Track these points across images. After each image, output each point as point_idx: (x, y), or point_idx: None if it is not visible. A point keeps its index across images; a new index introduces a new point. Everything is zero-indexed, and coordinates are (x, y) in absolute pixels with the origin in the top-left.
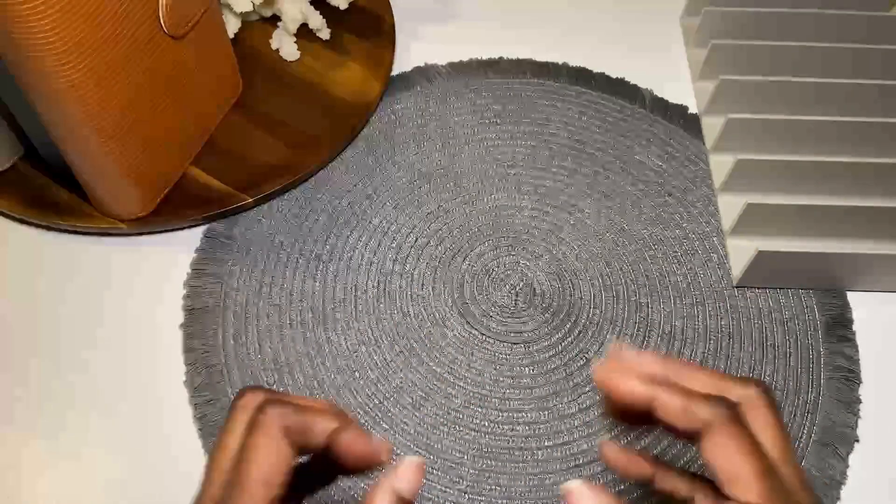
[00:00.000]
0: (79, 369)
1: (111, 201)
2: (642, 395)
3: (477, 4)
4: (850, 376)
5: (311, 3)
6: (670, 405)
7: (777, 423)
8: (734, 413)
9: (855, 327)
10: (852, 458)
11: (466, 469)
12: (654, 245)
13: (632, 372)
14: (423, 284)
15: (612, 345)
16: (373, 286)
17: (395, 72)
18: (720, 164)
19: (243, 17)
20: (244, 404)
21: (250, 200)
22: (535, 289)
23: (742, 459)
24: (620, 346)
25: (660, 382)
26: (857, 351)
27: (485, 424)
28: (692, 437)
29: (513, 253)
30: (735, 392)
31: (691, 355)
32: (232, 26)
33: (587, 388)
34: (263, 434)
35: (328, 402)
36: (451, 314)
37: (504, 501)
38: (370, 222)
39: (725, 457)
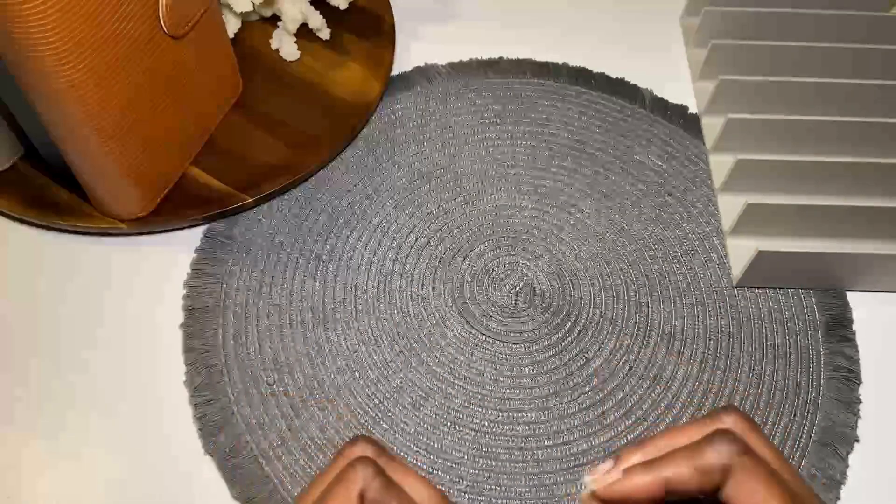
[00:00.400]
0: (79, 369)
1: (111, 201)
2: (651, 482)
3: (477, 4)
4: (850, 376)
5: (311, 3)
6: (682, 474)
7: (766, 438)
8: (742, 444)
9: (855, 327)
10: (852, 458)
11: (466, 469)
12: (654, 245)
13: (624, 474)
14: (423, 284)
15: (588, 474)
16: (373, 286)
17: (395, 72)
18: (720, 164)
19: (243, 17)
20: (349, 453)
21: (250, 200)
22: (535, 289)
23: (767, 490)
24: (594, 468)
25: (654, 465)
26: (857, 351)
27: (485, 424)
28: (716, 491)
29: (513, 253)
30: (721, 424)
31: (691, 355)
32: (232, 26)
33: (587, 388)
34: (344, 489)
35: (430, 488)
36: (451, 314)
37: (504, 501)
38: (370, 222)
39: (750, 493)
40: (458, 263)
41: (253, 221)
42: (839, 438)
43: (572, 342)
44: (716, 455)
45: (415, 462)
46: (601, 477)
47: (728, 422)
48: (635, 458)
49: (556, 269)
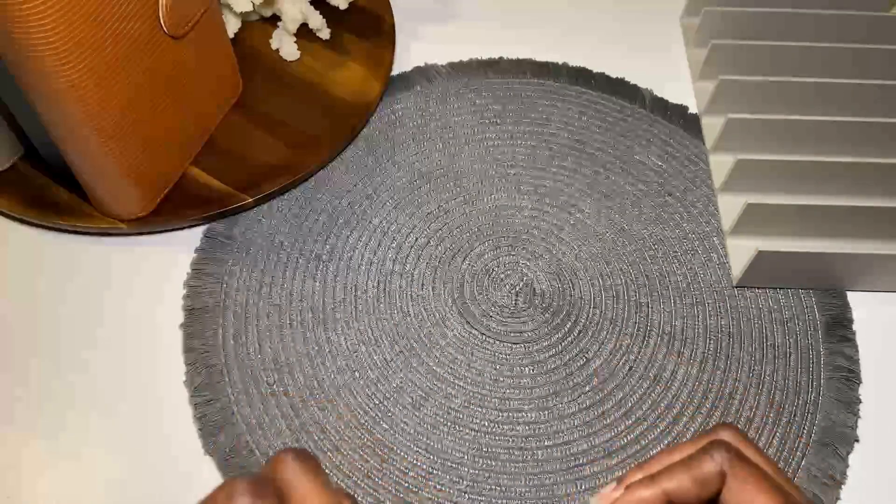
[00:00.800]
0: (79, 369)
1: (111, 201)
2: (653, 495)
3: (477, 4)
4: (850, 376)
5: (311, 3)
6: (682, 486)
7: (759, 449)
8: (736, 452)
9: (855, 327)
10: (852, 458)
11: (466, 469)
12: (654, 245)
13: (626, 490)
14: (423, 284)
15: (594, 498)
16: (373, 286)
17: (395, 72)
18: (720, 164)
19: (243, 17)
20: (270, 462)
21: (250, 200)
22: (535, 289)
23: (762, 495)
24: (599, 493)
25: (655, 478)
26: (857, 351)
27: (485, 424)
28: (716, 498)
29: (513, 253)
30: (716, 437)
31: (691, 355)
32: (232, 26)
33: (587, 388)
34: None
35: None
36: (451, 314)
37: (504, 501)
38: (370, 222)
39: (746, 498)
40: (458, 263)
41: (253, 221)
42: (839, 438)
43: (572, 342)
44: (712, 463)
45: (415, 462)
46: (606, 495)
47: (723, 435)
48: (637, 477)
49: (556, 269)
